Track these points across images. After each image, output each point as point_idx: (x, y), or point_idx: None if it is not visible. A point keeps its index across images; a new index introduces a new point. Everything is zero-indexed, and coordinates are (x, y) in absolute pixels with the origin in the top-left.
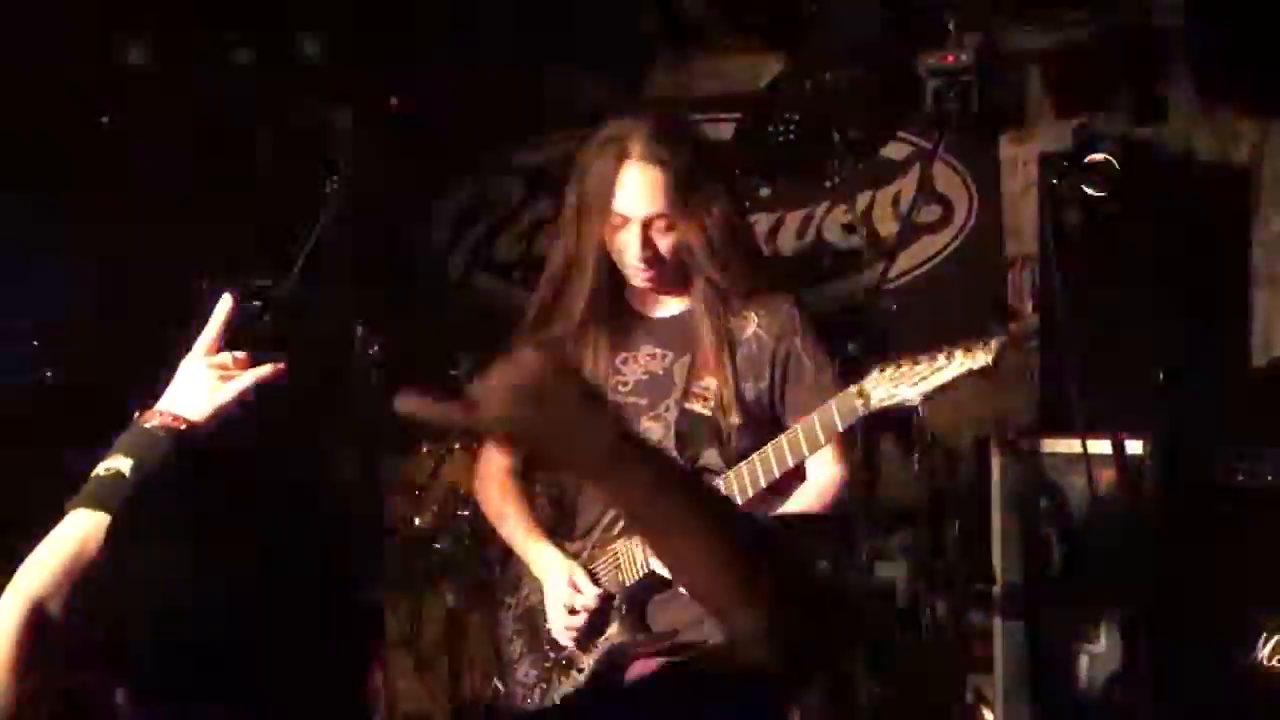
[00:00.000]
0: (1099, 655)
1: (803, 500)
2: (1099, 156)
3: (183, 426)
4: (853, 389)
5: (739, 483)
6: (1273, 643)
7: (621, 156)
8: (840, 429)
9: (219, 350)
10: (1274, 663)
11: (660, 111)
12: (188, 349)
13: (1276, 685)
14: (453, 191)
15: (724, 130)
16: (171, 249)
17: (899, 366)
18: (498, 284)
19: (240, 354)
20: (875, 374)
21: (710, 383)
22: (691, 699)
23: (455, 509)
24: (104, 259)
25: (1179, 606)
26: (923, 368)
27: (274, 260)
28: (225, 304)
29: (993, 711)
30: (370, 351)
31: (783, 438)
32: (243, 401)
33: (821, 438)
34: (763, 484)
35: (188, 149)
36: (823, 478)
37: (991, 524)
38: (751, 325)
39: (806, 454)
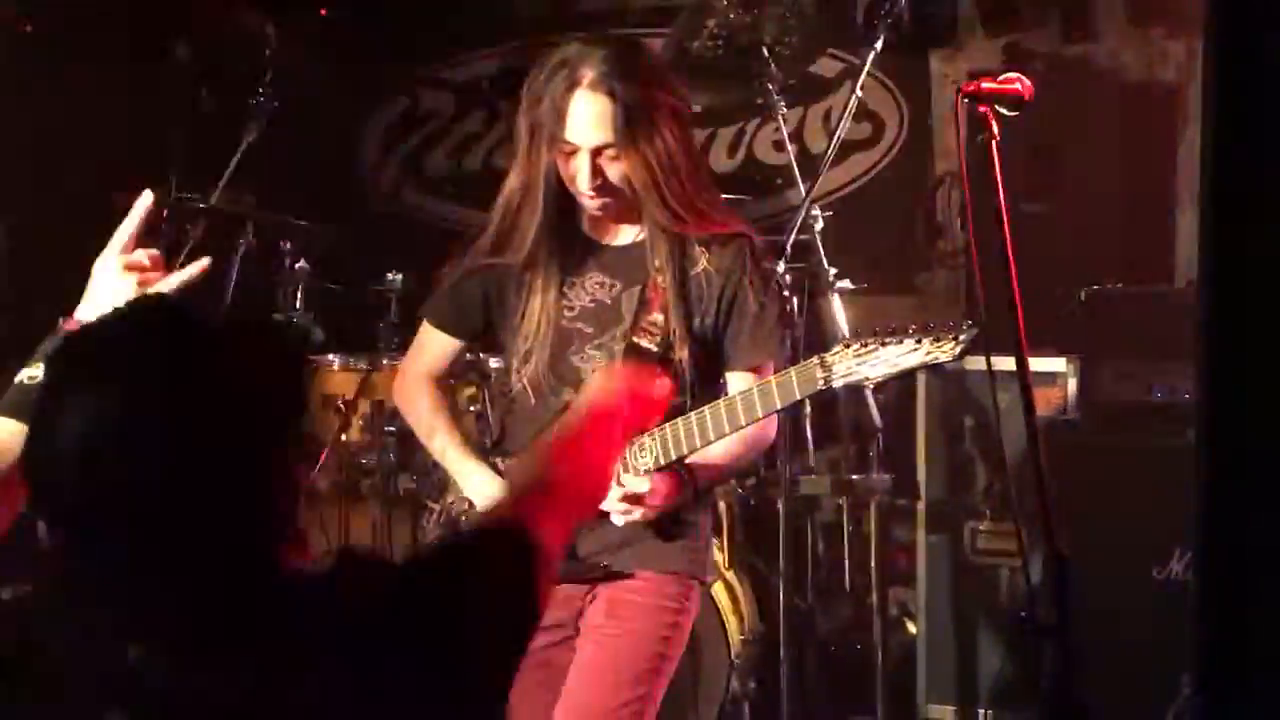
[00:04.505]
0: (1020, 569)
1: (721, 446)
2: (1012, 77)
3: None
4: (814, 360)
5: (685, 429)
6: (1188, 556)
7: (572, 84)
8: (799, 398)
9: (134, 249)
10: (1189, 576)
11: (616, 39)
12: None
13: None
14: (383, 106)
15: (657, 45)
16: (94, 162)
17: (865, 345)
18: (427, 199)
19: (154, 251)
20: (840, 349)
21: (658, 317)
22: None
23: (382, 424)
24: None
25: (1097, 522)
26: (889, 351)
27: (201, 173)
28: (145, 200)
29: (916, 624)
30: (298, 267)
31: (736, 396)
32: None
33: (778, 403)
34: (712, 437)
35: (111, 59)
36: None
37: (916, 440)
38: (702, 261)
39: (760, 415)
